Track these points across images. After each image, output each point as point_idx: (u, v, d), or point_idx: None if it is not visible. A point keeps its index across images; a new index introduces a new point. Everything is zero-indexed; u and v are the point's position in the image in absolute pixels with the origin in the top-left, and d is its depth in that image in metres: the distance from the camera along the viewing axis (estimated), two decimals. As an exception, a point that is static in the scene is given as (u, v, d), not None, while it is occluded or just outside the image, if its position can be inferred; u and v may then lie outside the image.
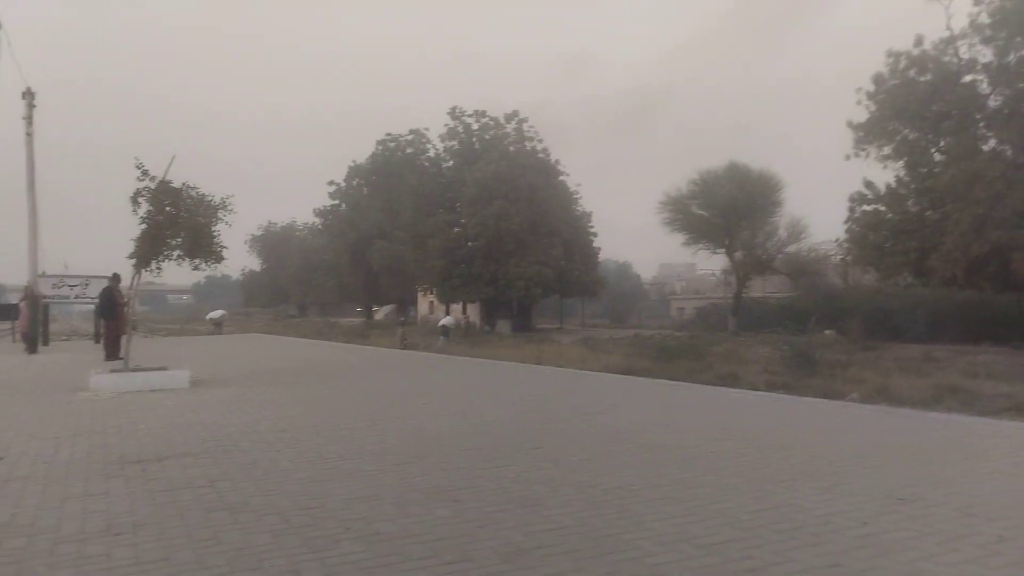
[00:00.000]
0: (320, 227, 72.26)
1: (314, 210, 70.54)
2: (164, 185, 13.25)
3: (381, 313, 74.48)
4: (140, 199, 13.22)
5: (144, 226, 13.21)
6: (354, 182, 59.07)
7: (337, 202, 64.98)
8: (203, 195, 13.55)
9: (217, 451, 7.41)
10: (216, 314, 46.11)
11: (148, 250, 13.23)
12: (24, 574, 4.09)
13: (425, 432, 8.38)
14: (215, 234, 13.65)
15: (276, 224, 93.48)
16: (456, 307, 50.95)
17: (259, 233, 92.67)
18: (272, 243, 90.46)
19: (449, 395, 11.89)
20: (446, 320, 35.53)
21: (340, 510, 5.23)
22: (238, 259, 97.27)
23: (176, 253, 13.50)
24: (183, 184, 13.47)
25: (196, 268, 13.94)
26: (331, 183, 63.92)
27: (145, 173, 13.24)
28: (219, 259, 13.96)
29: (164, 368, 14.05)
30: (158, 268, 13.66)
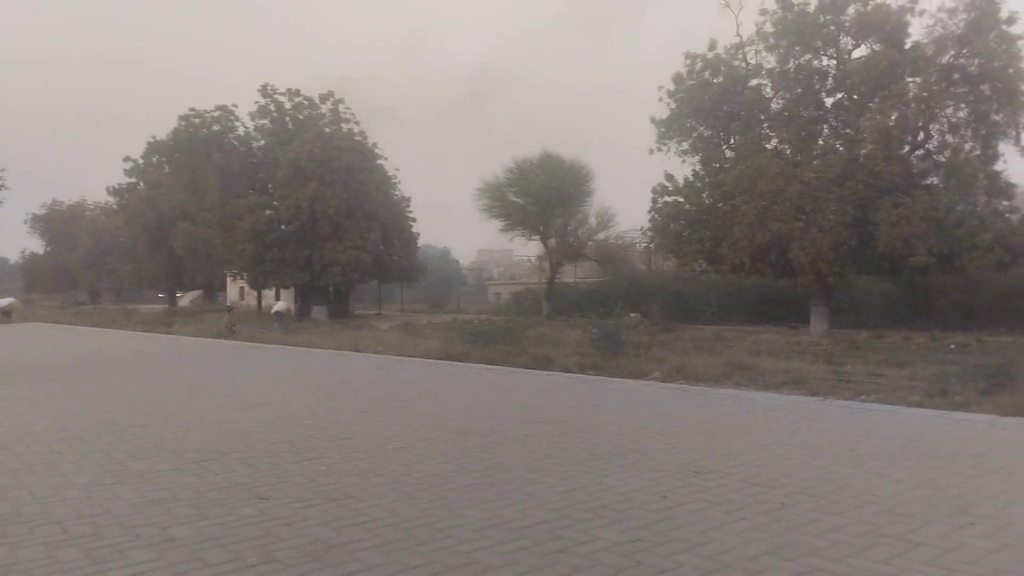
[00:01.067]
0: (115, 207, 66.43)
1: (107, 188, 64.69)
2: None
3: (186, 299, 69.89)
4: None
5: None
6: (154, 159, 54.72)
7: (134, 180, 59.93)
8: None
9: (-18, 457, 6.56)
10: (3, 302, 41.70)
11: None
12: None
13: (230, 426, 7.91)
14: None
15: (62, 203, 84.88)
16: (269, 292, 48.83)
17: (43, 212, 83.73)
18: (58, 223, 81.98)
19: (258, 385, 11.33)
20: (279, 306, 33.96)
21: (129, 516, 4.79)
22: (17, 240, 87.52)
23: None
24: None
25: (-41, 250, 12.27)
26: (127, 159, 58.82)
27: None
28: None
29: (-82, 364, 12.30)
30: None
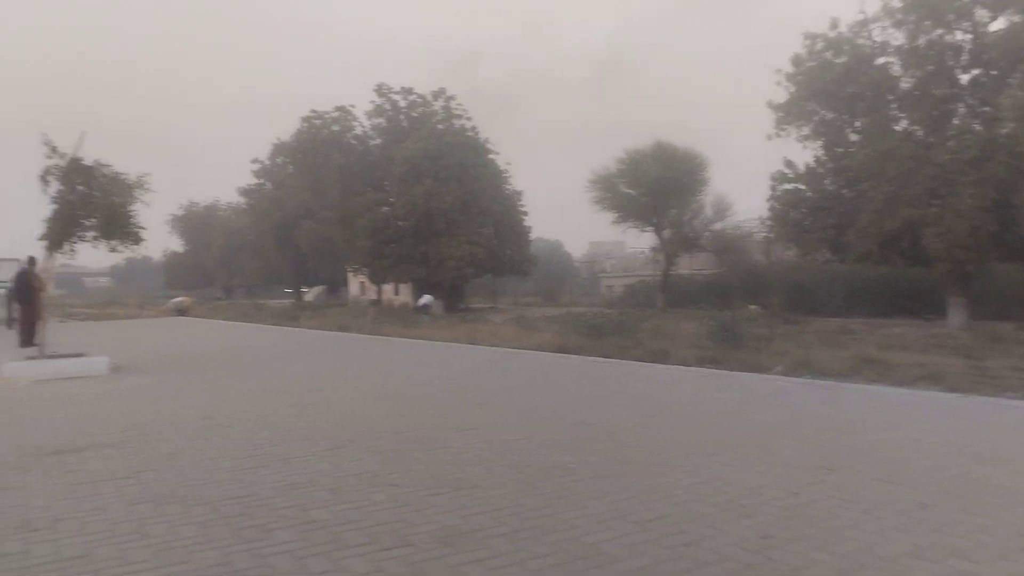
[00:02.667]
0: (245, 207, 70.26)
1: (238, 189, 68.56)
2: (75, 163, 12.62)
3: (311, 294, 73.12)
4: (50, 178, 12.57)
5: (55, 206, 12.57)
6: (279, 160, 57.52)
7: (262, 181, 63.23)
8: (118, 173, 12.98)
9: (139, 440, 7.14)
10: (176, 301, 44.64)
11: (60, 231, 12.61)
12: (-68, 578, 3.86)
13: (357, 415, 8.26)
14: (131, 214, 13.10)
15: (198, 204, 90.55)
16: (388, 287, 50.41)
17: (181, 213, 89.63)
18: (194, 223, 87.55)
19: (382, 377, 11.76)
20: (426, 299, 35.20)
21: (273, 498, 5.11)
22: (159, 240, 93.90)
23: (91, 234, 12.92)
24: (95, 162, 12.86)
25: (113, 250, 13.37)
26: (255, 161, 62.13)
27: (54, 150, 12.58)
28: (137, 240, 13.42)
29: (82, 355, 13.47)
30: (71, 250, 13.06)
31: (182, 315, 41.74)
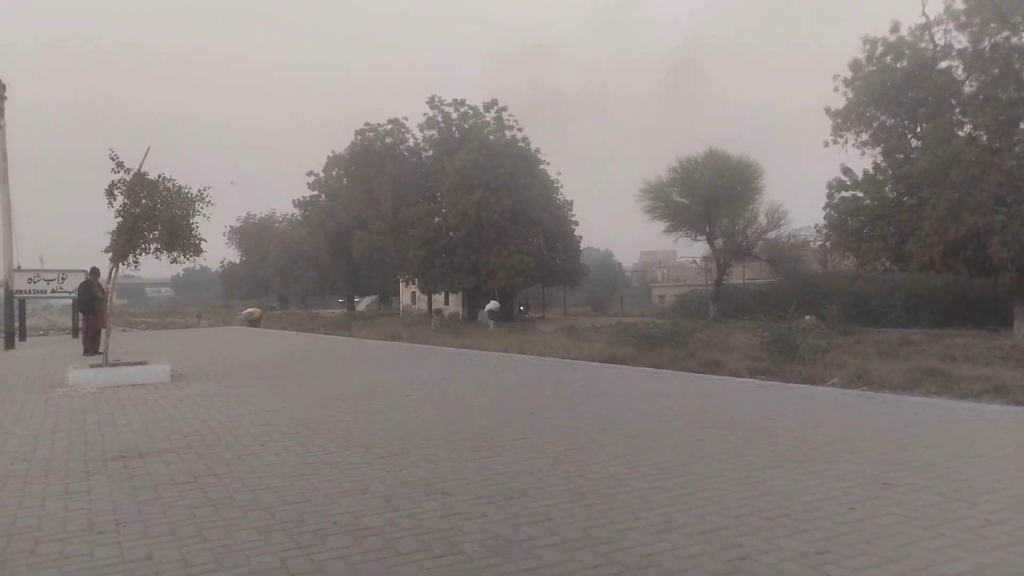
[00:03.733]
0: (300, 218, 71.71)
1: (293, 201, 70.00)
2: (140, 177, 13.05)
3: (363, 304, 74.17)
4: (116, 192, 13.02)
5: (120, 219, 13.02)
6: (333, 172, 58.57)
7: (316, 193, 64.52)
8: (180, 187, 13.37)
9: (200, 446, 7.33)
10: (248, 312, 44.29)
11: (125, 243, 13.04)
12: (5, 574, 4.02)
13: (411, 423, 8.34)
14: (193, 226, 13.47)
15: (255, 216, 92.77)
16: (438, 296, 50.81)
17: (238, 225, 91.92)
18: (251, 235, 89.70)
19: (434, 385, 11.85)
20: (492, 304, 35.49)
21: (327, 504, 5.19)
22: (217, 251, 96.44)
23: (153, 246, 13.33)
24: (159, 176, 13.28)
25: (174, 261, 13.75)
26: (310, 173, 63.47)
27: (120, 165, 13.04)
28: (197, 252, 13.79)
29: (144, 363, 13.89)
30: (135, 261, 13.48)
31: (254, 326, 40.65)
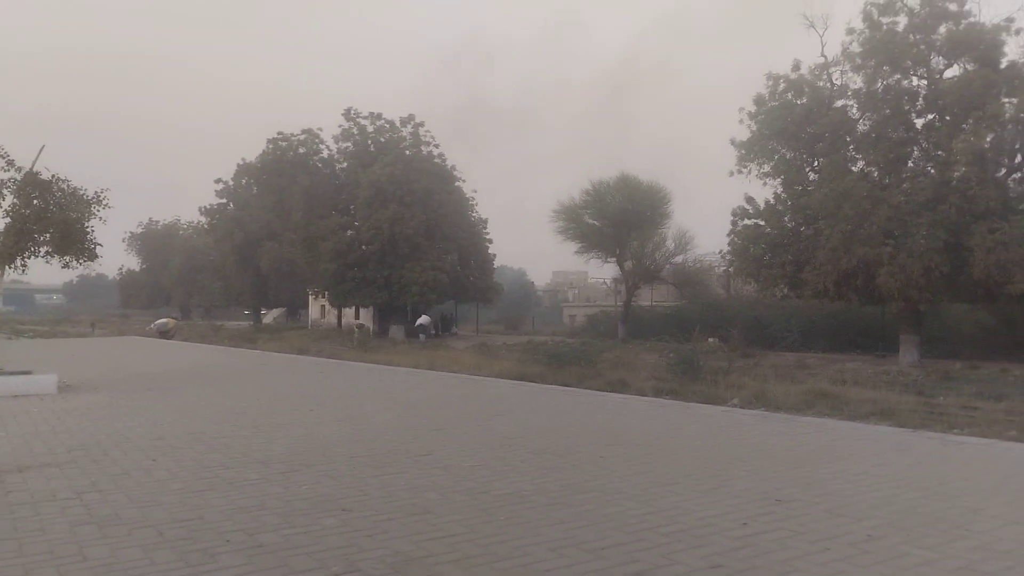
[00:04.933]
0: (206, 226, 69.33)
1: (200, 208, 67.64)
2: (32, 176, 12.39)
3: (270, 316, 72.17)
4: (5, 191, 12.31)
5: (8, 220, 12.30)
6: (243, 181, 56.98)
7: (225, 201, 62.54)
8: (75, 188, 12.75)
9: (85, 460, 6.95)
10: (161, 322, 41.89)
11: (12, 246, 12.32)
12: None
13: (313, 439, 8.14)
14: (88, 230, 12.86)
15: (158, 222, 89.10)
16: (348, 311, 49.96)
17: (139, 231, 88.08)
18: (153, 242, 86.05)
19: (339, 400, 11.62)
20: (423, 319, 34.98)
21: (220, 522, 4.99)
22: (115, 258, 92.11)
23: (44, 249, 12.64)
24: (53, 176, 12.63)
25: (67, 266, 13.09)
26: (218, 181, 61.43)
27: (10, 163, 12.34)
28: (92, 256, 13.16)
29: (29, 372, 13.10)
30: (23, 265, 12.75)
31: (166, 337, 38.29)
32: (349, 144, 45.96)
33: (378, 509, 5.33)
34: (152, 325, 43.21)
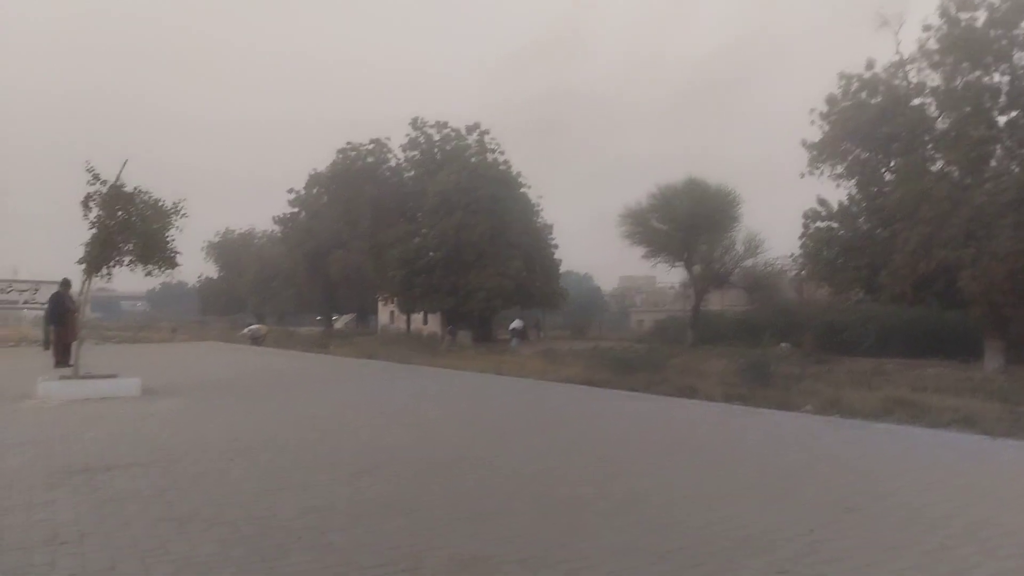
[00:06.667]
0: (279, 235, 71.32)
1: (273, 218, 69.60)
2: (116, 189, 12.99)
3: (340, 322, 73.76)
4: (91, 203, 12.95)
5: (95, 231, 12.93)
6: (314, 190, 58.49)
7: (296, 210, 64.23)
8: (156, 200, 13.31)
9: (166, 461, 7.26)
10: (254, 328, 42.03)
11: (99, 255, 12.95)
12: (-39, 586, 3.97)
13: (380, 442, 8.32)
14: (168, 239, 13.41)
15: (234, 231, 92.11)
16: (418, 316, 50.67)
17: (216, 240, 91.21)
18: (229, 250, 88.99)
19: (406, 405, 11.82)
20: (516, 323, 35.24)
21: (291, 520, 5.17)
22: (194, 266, 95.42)
23: (128, 259, 13.24)
24: (135, 188, 13.22)
25: (149, 274, 13.67)
26: (290, 191, 63.21)
27: (96, 177, 12.98)
28: (172, 265, 13.72)
29: (114, 376, 13.73)
30: (109, 274, 13.38)
31: (257, 344, 37.67)
32: (416, 153, 46.71)
33: (442, 511, 5.42)
34: (245, 330, 43.23)
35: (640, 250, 41.09)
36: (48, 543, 4.64)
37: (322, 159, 66.01)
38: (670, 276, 50.49)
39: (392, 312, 57.28)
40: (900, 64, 24.98)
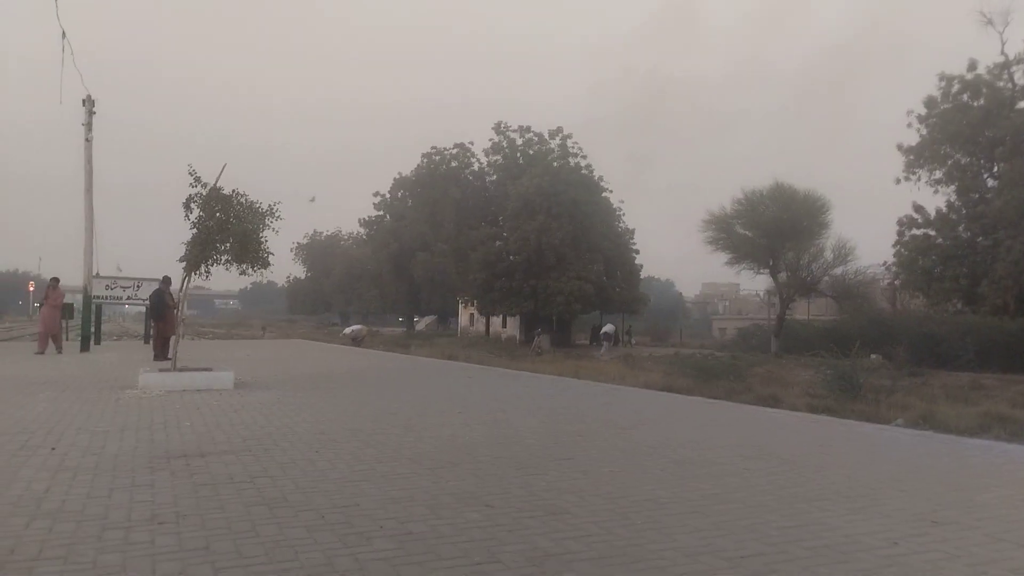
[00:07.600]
0: (364, 237, 73.21)
1: (359, 220, 71.59)
2: (215, 191, 13.65)
3: (422, 323, 75.04)
4: (192, 205, 13.65)
5: (195, 231, 13.62)
6: (399, 193, 59.80)
7: (382, 213, 65.83)
8: (252, 202, 13.92)
9: (258, 449, 7.62)
10: (356, 328, 41.90)
11: (198, 254, 13.63)
12: (73, 557, 4.30)
13: (459, 439, 8.49)
14: (262, 240, 14.00)
15: (321, 233, 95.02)
16: (495, 319, 51.09)
17: (305, 241, 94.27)
18: (317, 252, 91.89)
19: (485, 404, 11.99)
20: (608, 327, 35.42)
21: (374, 509, 5.37)
22: (284, 266, 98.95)
23: (224, 258, 13.88)
24: (233, 191, 13.86)
25: (243, 273, 14.29)
26: (376, 194, 64.92)
27: (197, 180, 13.67)
28: (265, 265, 14.29)
29: (209, 369, 14.42)
30: (207, 272, 14.06)
31: (357, 344, 37.36)
32: (499, 157, 47.19)
33: (519, 507, 5.53)
34: (347, 331, 43.10)
35: (723, 256, 40.40)
36: (148, 522, 4.97)
37: (407, 164, 67.23)
38: (754, 283, 49.47)
39: (472, 315, 57.95)
40: (1005, 65, 23.88)
